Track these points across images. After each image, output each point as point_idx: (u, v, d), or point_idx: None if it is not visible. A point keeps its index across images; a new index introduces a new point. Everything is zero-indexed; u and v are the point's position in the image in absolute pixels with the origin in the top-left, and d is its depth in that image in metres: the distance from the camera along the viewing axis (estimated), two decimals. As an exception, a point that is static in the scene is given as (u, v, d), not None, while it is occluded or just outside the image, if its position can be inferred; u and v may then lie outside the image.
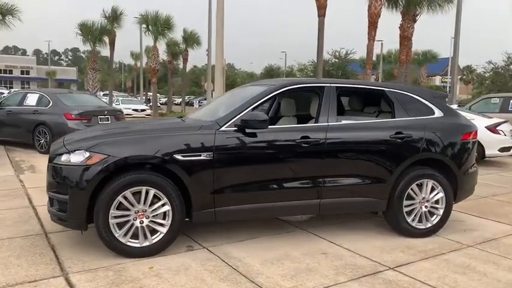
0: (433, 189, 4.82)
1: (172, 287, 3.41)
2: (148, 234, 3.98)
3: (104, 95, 34.44)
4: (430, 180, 4.78)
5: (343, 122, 4.64)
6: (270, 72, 72.47)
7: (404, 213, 4.73)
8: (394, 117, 4.84)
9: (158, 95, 45.64)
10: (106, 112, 10.46)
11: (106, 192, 3.81)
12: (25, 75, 79.01)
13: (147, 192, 3.93)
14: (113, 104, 26.86)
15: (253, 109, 4.36)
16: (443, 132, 4.86)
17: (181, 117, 5.05)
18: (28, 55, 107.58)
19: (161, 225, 4.01)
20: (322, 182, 4.43)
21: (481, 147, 10.85)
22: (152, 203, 3.97)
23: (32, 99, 10.71)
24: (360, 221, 5.40)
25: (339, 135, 4.49)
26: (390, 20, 17.82)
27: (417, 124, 4.81)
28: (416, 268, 3.97)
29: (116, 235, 3.88)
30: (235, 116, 4.27)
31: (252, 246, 4.37)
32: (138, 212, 3.93)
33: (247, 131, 4.21)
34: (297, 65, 58.95)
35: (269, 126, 4.40)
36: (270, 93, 4.49)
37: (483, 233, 5.11)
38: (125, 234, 3.91)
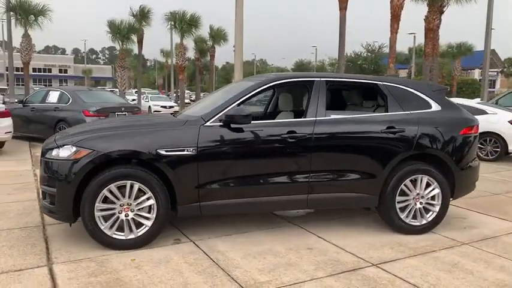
0: (428, 185, 4.70)
1: (149, 278, 3.48)
2: (133, 227, 4.07)
3: (135, 92, 35.15)
4: (425, 175, 4.66)
5: (333, 116, 4.58)
6: (301, 67, 72.11)
7: (398, 210, 4.63)
8: (387, 112, 4.74)
9: (189, 91, 46.38)
10: (123, 109, 10.72)
11: (91, 186, 3.92)
12: (63, 74, 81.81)
13: (131, 186, 4.01)
14: (143, 101, 27.45)
15: (239, 104, 4.38)
16: (439, 126, 4.72)
17: (175, 112, 5.11)
18: (67, 54, 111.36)
19: (146, 218, 4.09)
20: (309, 177, 4.40)
21: (503, 142, 10.46)
22: (137, 197, 4.05)
23: (53, 97, 11.10)
24: (358, 216, 5.33)
25: (326, 130, 4.45)
26: (421, 12, 17.34)
27: (411, 118, 4.69)
28: (401, 265, 3.89)
29: (102, 227, 3.99)
30: (220, 112, 4.30)
31: (239, 241, 4.40)
32: (123, 205, 4.03)
33: (233, 126, 4.23)
34: (328, 59, 58.40)
35: (259, 121, 4.44)
36: (257, 89, 4.49)
37: (483, 231, 4.94)
38: (111, 227, 4.02)
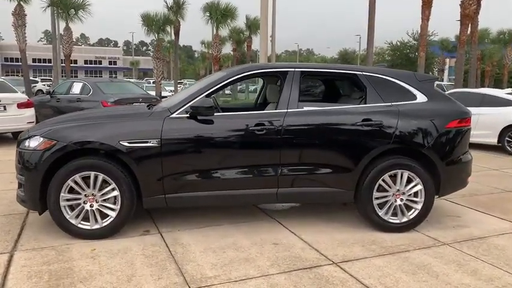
0: (410, 180, 4.45)
1: (99, 269, 3.52)
2: (98, 218, 4.13)
3: (178, 83, 35.75)
4: (406, 171, 4.41)
5: (305, 108, 4.41)
6: (345, 56, 70.64)
7: (375, 206, 4.42)
8: (366, 103, 4.52)
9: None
10: (141, 100, 10.91)
11: (56, 176, 4.00)
12: (112, 65, 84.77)
13: (96, 177, 4.06)
14: (179, 91, 27.90)
15: (208, 95, 4.31)
16: (422, 118, 4.45)
17: (151, 104, 5.12)
18: (119, 46, 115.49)
19: (111, 209, 4.14)
20: (279, 170, 4.28)
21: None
22: (101, 188, 4.10)
23: (76, 88, 11.48)
24: (339, 212, 5.15)
25: (297, 122, 4.30)
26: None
27: (391, 110, 4.44)
28: (363, 265, 3.71)
29: (67, 217, 4.07)
30: (186, 103, 4.25)
31: (207, 234, 4.36)
32: (88, 196, 4.09)
33: (200, 118, 4.18)
34: (374, 47, 56.69)
35: (228, 113, 4.38)
36: (226, 80, 4.40)
37: (473, 231, 4.63)
38: (76, 217, 4.10)
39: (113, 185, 4.08)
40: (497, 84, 34.22)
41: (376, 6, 16.34)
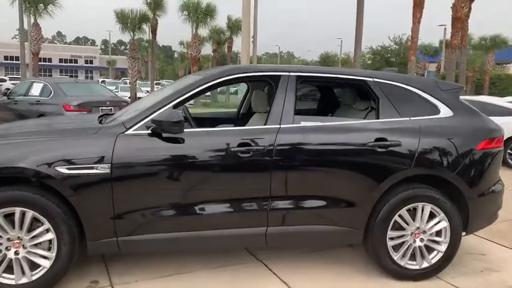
0: (432, 216, 3.53)
1: None
2: (26, 269, 3.06)
3: (156, 83, 34.39)
4: (428, 204, 3.49)
5: (303, 123, 3.44)
6: (326, 60, 70.20)
7: (389, 248, 3.48)
8: (379, 118, 3.57)
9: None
10: (108, 103, 9.79)
11: (-33, 214, 2.93)
12: (89, 65, 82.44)
13: (23, 215, 3.00)
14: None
15: (176, 106, 3.30)
16: (448, 138, 3.53)
17: (104, 115, 4.06)
18: (97, 45, 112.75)
19: (44, 257, 3.08)
20: (268, 204, 3.30)
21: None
22: (31, 229, 3.04)
23: (36, 89, 10.28)
24: (342, 252, 4.18)
25: (293, 141, 3.33)
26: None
27: (410, 127, 3.51)
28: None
29: (-17, 268, 3.00)
30: (147, 116, 3.23)
31: (171, 285, 3.34)
32: (11, 239, 3.03)
33: (165, 135, 3.16)
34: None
35: (202, 129, 3.41)
36: (201, 85, 3.39)
37: (505, 277, 3.73)
38: (-4, 268, 3.02)
39: (47, 225, 3.03)
40: (478, 90, 34.12)
41: (364, 7, 15.55)
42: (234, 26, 31.76)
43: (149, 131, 3.17)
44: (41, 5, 22.03)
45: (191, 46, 28.08)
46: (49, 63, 77.15)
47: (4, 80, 31.21)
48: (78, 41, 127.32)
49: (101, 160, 3.05)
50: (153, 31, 26.60)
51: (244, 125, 4.26)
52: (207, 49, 40.15)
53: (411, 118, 3.57)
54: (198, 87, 3.37)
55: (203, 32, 30.43)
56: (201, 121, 4.57)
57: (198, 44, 27.45)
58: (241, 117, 4.90)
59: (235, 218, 3.28)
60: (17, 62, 73.55)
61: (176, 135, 3.15)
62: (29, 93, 10.45)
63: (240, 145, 3.23)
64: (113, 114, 3.99)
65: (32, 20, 22.31)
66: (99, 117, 3.91)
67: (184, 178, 3.21)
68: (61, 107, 9.42)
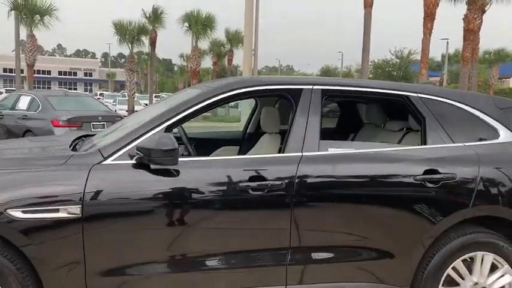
0: (494, 268, 2.77)
1: None
2: None
3: (155, 96, 33.75)
4: (489, 253, 2.74)
5: (331, 150, 2.70)
6: (327, 73, 69.95)
7: (441, 310, 2.72)
8: (426, 143, 2.83)
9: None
10: (100, 118, 9.07)
11: None
12: (88, 77, 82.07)
13: (-39, 275, 2.25)
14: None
15: (167, 129, 2.56)
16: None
17: (82, 137, 3.29)
18: (97, 58, 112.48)
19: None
20: (287, 256, 2.55)
21: None
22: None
23: (23, 102, 9.55)
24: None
25: (320, 174, 2.59)
26: (457, 16, 15.10)
27: (466, 155, 2.77)
28: None
29: None
30: (130, 141, 2.49)
31: None
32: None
33: (153, 167, 2.41)
34: (355, 65, 55.95)
35: (202, 158, 2.67)
36: (201, 102, 2.65)
37: None
38: None
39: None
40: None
41: (372, 18, 14.96)
42: (234, 39, 31.18)
43: (133, 161, 2.43)
44: (37, 16, 21.43)
45: (191, 59, 27.45)
46: (48, 76, 76.89)
47: (0, 93, 30.54)
48: (78, 53, 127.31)
49: (68, 200, 2.31)
50: (152, 43, 25.99)
51: (251, 147, 3.56)
52: (207, 62, 39.61)
53: (466, 144, 2.83)
54: (197, 104, 2.64)
55: (203, 44, 29.93)
56: (200, 143, 3.85)
57: (197, 56, 26.82)
58: (248, 138, 4.18)
59: (245, 275, 2.53)
60: (21, 74, 73.28)
61: (168, 166, 2.41)
62: (16, 107, 9.73)
63: (250, 179, 2.49)
64: (94, 136, 3.24)
65: (28, 31, 21.70)
66: (75, 140, 3.17)
67: (179, 223, 2.47)
68: (49, 122, 8.70)
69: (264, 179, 2.50)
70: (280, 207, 2.53)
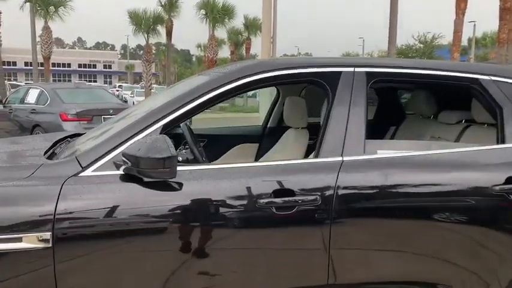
0: None
1: None
2: None
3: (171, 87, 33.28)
4: None
5: (381, 153, 2.06)
6: (347, 61, 68.36)
7: None
8: (504, 142, 2.15)
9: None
10: (112, 111, 8.54)
11: None
12: (107, 69, 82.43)
13: None
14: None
15: (165, 127, 1.95)
16: None
17: (67, 138, 2.70)
18: (116, 50, 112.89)
19: None
20: (324, 292, 1.93)
21: None
22: None
23: (32, 96, 9.11)
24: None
25: (366, 183, 1.95)
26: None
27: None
28: None
29: None
30: (115, 147, 1.90)
31: None
32: None
33: (146, 179, 1.81)
34: (378, 51, 54.47)
35: (208, 166, 2.07)
36: (208, 93, 2.02)
37: None
38: None
39: None
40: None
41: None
42: (252, 26, 30.40)
43: (121, 172, 1.84)
44: (52, 7, 21.11)
45: (208, 48, 26.84)
46: (68, 69, 77.70)
47: (19, 86, 30.50)
48: (98, 46, 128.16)
49: (34, 226, 1.74)
50: (169, 33, 25.46)
51: (272, 144, 2.97)
52: (225, 52, 39.01)
53: (559, 141, 2.15)
54: (202, 95, 2.01)
55: (221, 33, 29.30)
56: (212, 141, 3.26)
57: (215, 45, 26.17)
58: (269, 134, 3.57)
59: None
60: (39, 68, 73.86)
61: (165, 178, 1.81)
62: (25, 101, 9.30)
63: (274, 194, 1.87)
64: (82, 135, 2.66)
65: (43, 23, 21.44)
66: (60, 141, 2.60)
67: (182, 253, 1.87)
68: (57, 116, 8.23)
69: (291, 193, 1.88)
70: (314, 232, 1.91)
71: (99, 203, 1.80)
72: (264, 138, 3.56)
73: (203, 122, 3.16)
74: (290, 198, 1.87)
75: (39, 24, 22.35)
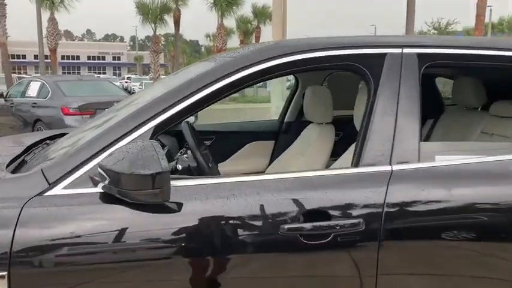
0: None
1: None
2: None
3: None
4: None
5: (441, 159, 1.58)
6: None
7: None
8: None
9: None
10: (115, 104, 8.13)
11: None
12: (116, 61, 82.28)
13: None
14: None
15: (157, 129, 1.49)
16: None
17: (42, 143, 2.26)
18: (125, 42, 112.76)
19: None
20: None
21: None
22: None
23: (33, 89, 8.71)
24: None
25: (426, 201, 1.48)
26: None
27: None
28: None
29: None
30: (90, 157, 1.44)
31: None
32: None
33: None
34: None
35: (223, 180, 1.63)
36: (208, 86, 1.54)
37: None
38: None
39: None
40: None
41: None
42: (261, 14, 29.75)
43: (100, 189, 1.39)
44: (57, -3, 20.76)
45: (217, 37, 26.30)
46: (77, 61, 77.87)
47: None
48: (107, 38, 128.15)
49: (-19, 263, 1.30)
50: (176, 23, 24.96)
51: (291, 142, 2.54)
52: (234, 41, 38.37)
53: None
54: (205, 87, 1.54)
55: (229, 23, 28.74)
56: (222, 138, 2.81)
57: (223, 35, 25.64)
58: (286, 130, 3.10)
59: None
60: (46, 60, 73.70)
61: (158, 201, 1.35)
62: (26, 94, 8.92)
63: (300, 217, 1.41)
64: (64, 137, 2.21)
65: (49, 15, 21.06)
66: (36, 144, 2.16)
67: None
68: (59, 110, 7.83)
69: (324, 215, 1.42)
70: (355, 263, 1.45)
71: (71, 232, 1.36)
72: (281, 135, 3.10)
73: (209, 114, 2.71)
74: (323, 224, 1.41)
75: (46, 16, 22.04)
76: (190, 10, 25.55)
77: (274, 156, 3.02)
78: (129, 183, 1.26)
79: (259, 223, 1.42)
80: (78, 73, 67.24)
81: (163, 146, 2.21)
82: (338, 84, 2.98)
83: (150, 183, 1.25)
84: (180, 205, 1.40)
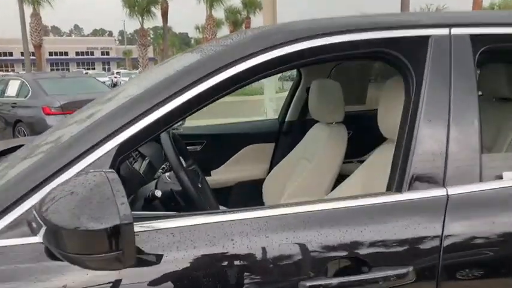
0: None
1: None
2: None
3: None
4: None
5: (507, 177, 1.17)
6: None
7: None
8: None
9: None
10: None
11: None
12: (105, 56, 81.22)
13: None
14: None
15: (120, 151, 1.06)
16: None
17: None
18: (114, 36, 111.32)
19: None
20: None
21: None
22: None
23: (12, 88, 8.23)
24: None
25: (495, 234, 1.08)
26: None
27: None
28: None
29: None
30: (27, 193, 1.01)
31: None
32: None
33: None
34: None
35: (199, 220, 1.19)
36: (204, 78, 1.12)
37: None
38: None
39: None
40: None
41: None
42: (251, 4, 29.20)
43: (41, 240, 0.97)
44: (40, -8, 20.11)
45: (206, 29, 25.74)
46: (65, 57, 76.93)
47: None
48: (95, 33, 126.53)
49: None
50: (164, 14, 24.37)
51: (294, 144, 2.17)
52: (224, 33, 37.87)
53: None
54: (188, 87, 1.12)
55: (219, 14, 28.18)
56: (214, 141, 2.41)
57: (213, 26, 25.08)
58: (288, 131, 2.70)
59: None
60: (32, 57, 72.46)
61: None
62: (5, 94, 8.42)
63: (320, 267, 1.01)
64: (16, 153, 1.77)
65: (31, 10, 20.42)
66: None
67: None
68: (40, 109, 7.36)
69: (360, 263, 1.02)
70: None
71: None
72: (282, 137, 2.70)
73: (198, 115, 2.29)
74: (358, 278, 1.01)
75: (29, 11, 21.39)
76: (179, 1, 24.99)
77: (274, 160, 2.62)
78: (73, 244, 0.85)
79: (269, 279, 1.01)
80: (68, 69, 66.26)
81: (143, 156, 1.80)
82: (345, 76, 2.59)
83: (106, 243, 0.84)
84: (159, 257, 0.99)
